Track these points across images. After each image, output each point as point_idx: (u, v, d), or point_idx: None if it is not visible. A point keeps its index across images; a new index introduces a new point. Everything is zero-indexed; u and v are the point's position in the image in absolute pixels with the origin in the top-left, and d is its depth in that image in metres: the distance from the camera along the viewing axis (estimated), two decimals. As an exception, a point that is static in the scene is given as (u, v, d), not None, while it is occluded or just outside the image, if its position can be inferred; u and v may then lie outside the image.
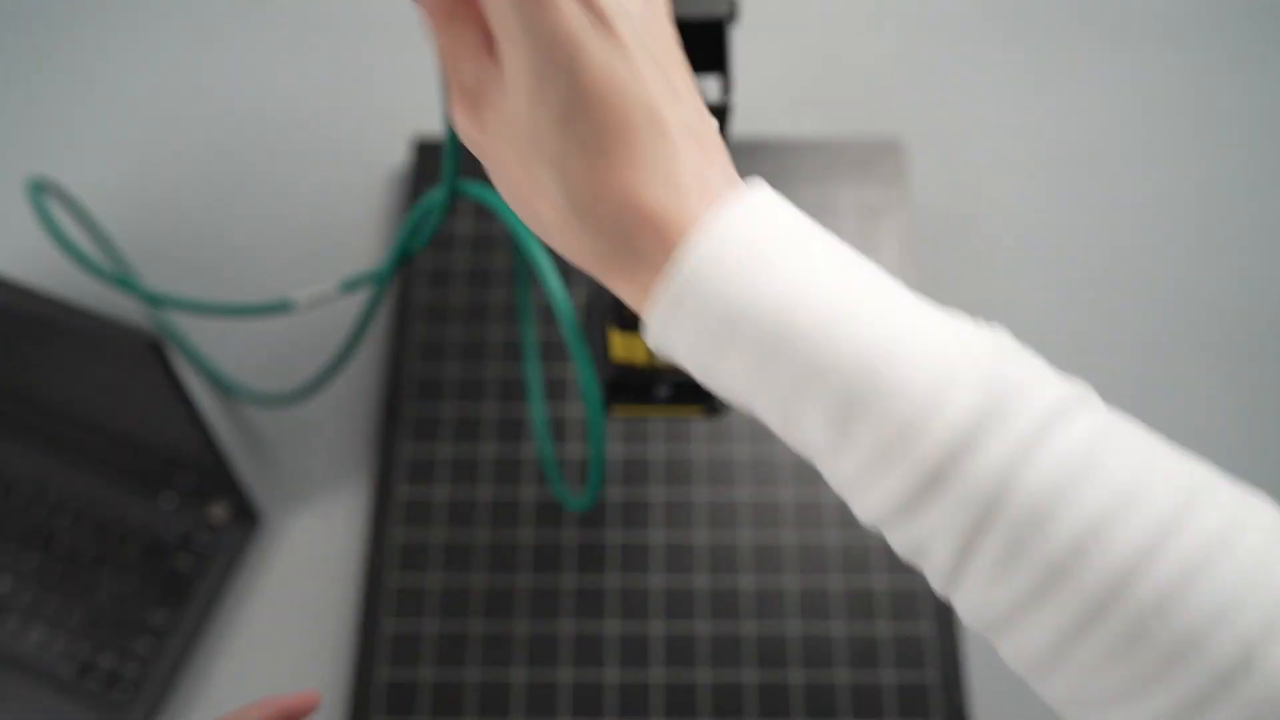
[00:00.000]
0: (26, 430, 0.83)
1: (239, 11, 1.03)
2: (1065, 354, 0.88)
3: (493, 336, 0.87)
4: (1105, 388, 0.86)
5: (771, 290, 0.33)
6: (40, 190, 0.74)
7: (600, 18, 0.33)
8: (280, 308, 0.73)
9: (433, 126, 0.97)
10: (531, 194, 0.35)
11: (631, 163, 0.34)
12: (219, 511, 0.81)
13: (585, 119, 0.33)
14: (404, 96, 0.99)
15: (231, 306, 0.74)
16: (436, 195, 0.53)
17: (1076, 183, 0.95)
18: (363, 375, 0.87)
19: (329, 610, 0.79)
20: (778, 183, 0.92)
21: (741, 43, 0.99)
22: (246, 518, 0.81)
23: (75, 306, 0.63)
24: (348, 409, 0.86)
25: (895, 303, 0.35)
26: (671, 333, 0.36)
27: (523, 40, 0.33)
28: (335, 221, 0.93)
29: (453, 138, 0.50)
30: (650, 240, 0.34)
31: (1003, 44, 1.01)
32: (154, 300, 0.73)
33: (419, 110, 0.98)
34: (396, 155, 0.96)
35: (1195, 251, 0.92)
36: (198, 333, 0.88)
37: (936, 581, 0.37)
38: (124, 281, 0.73)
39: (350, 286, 0.70)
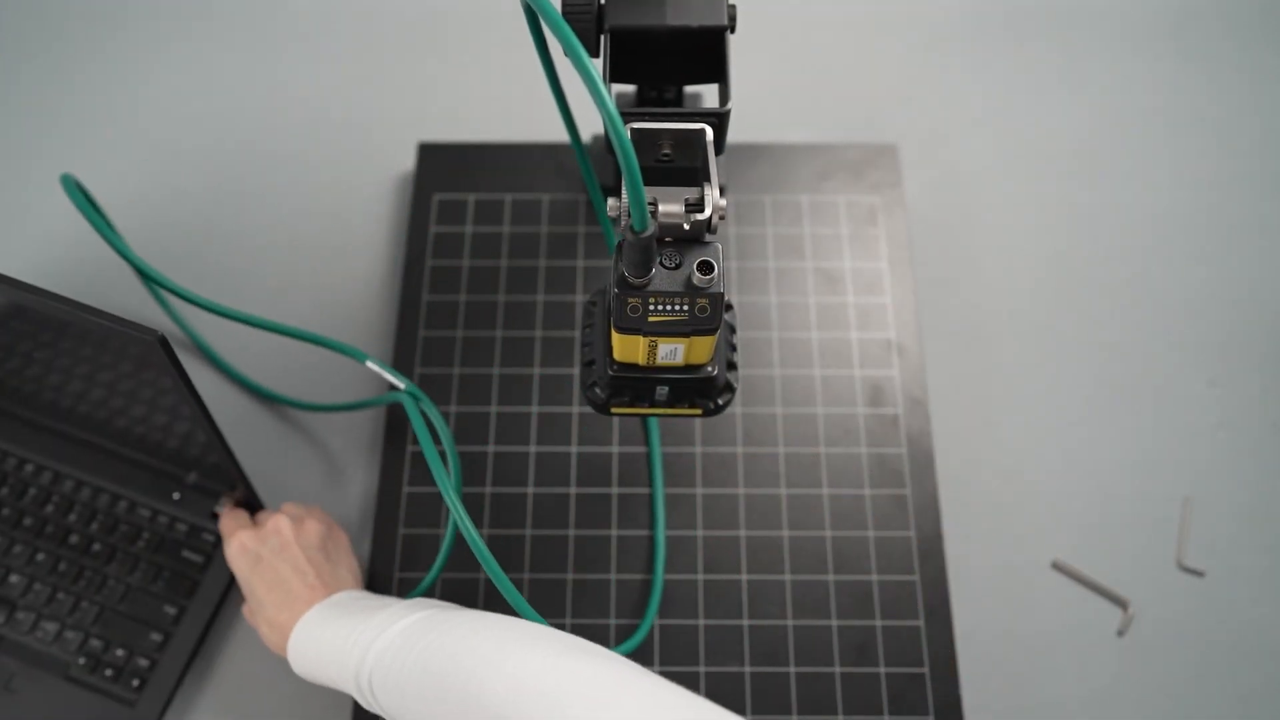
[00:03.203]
0: (38, 429, 0.84)
1: (255, 23, 1.05)
2: (1055, 354, 0.89)
3: (496, 336, 0.88)
4: (1093, 387, 0.88)
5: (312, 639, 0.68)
6: (73, 187, 0.77)
7: (255, 556, 0.73)
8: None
9: (437, 132, 0.98)
10: (257, 622, 0.74)
11: (265, 639, 0.73)
12: (226, 506, 0.82)
13: (253, 597, 0.74)
14: (411, 104, 1.00)
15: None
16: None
17: (1068, 186, 0.96)
18: (365, 371, 0.88)
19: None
20: (776, 186, 0.93)
21: (741, 51, 1.00)
22: (253, 513, 0.82)
23: (84, 304, 0.64)
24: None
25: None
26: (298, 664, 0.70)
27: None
28: (346, 220, 0.95)
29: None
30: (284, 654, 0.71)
31: (995, 52, 1.03)
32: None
33: (425, 117, 1.00)
34: (404, 159, 0.97)
35: (1184, 253, 0.93)
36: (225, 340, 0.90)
37: None
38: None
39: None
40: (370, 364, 0.79)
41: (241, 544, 0.74)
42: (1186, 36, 1.03)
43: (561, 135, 0.97)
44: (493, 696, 0.54)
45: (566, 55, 0.50)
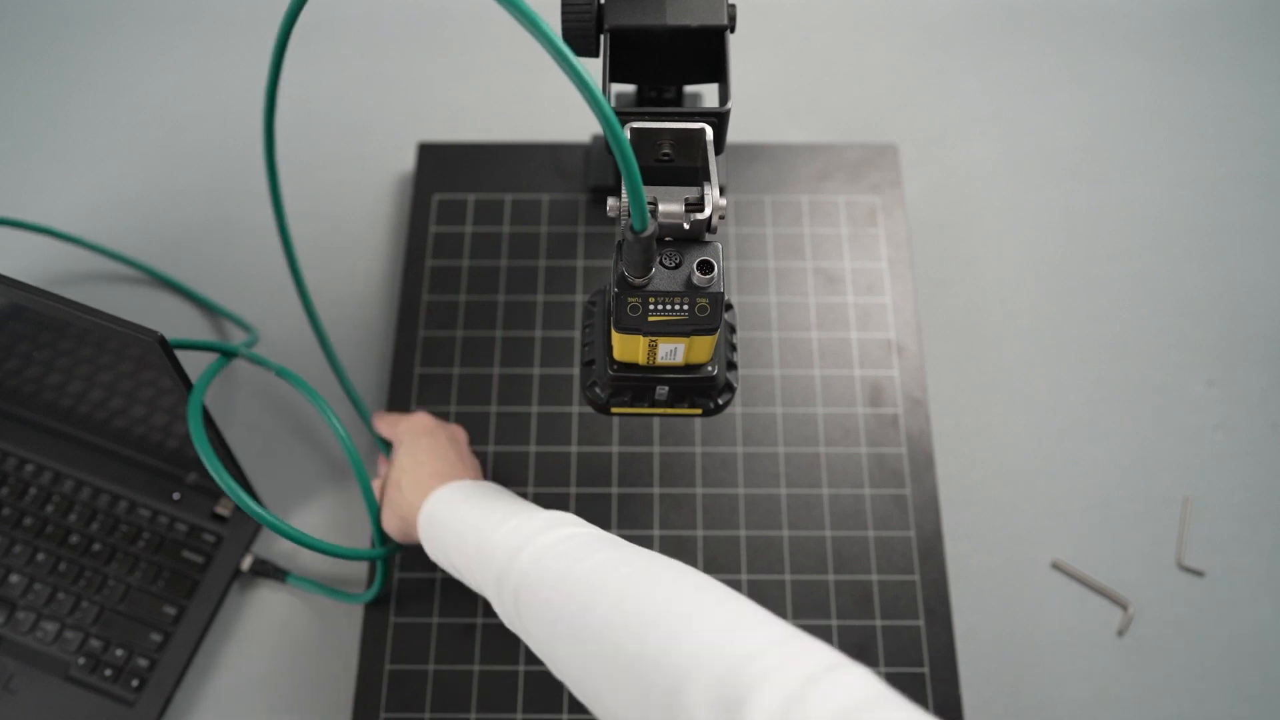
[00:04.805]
0: (38, 429, 0.84)
1: (255, 23, 1.05)
2: (1055, 354, 0.89)
3: (496, 336, 0.88)
4: (1093, 387, 0.88)
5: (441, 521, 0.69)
6: None
7: (432, 431, 0.77)
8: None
9: (437, 133, 0.98)
10: (397, 488, 0.74)
11: (399, 501, 0.74)
12: (225, 506, 0.82)
13: (385, 503, 0.76)
14: (411, 104, 1.00)
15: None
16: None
17: (1068, 186, 0.96)
18: (366, 371, 0.88)
19: (335, 601, 0.80)
20: (776, 186, 0.93)
21: (742, 51, 1.00)
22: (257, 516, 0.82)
23: (84, 304, 0.64)
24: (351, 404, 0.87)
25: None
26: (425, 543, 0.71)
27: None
28: (346, 220, 0.95)
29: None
30: (413, 515, 0.73)
31: (995, 52, 1.03)
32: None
33: (425, 117, 1.00)
34: (404, 159, 0.97)
35: (1184, 253, 0.93)
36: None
37: None
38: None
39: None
40: (243, 353, 0.78)
41: (426, 420, 0.79)
42: (1186, 36, 1.03)
43: (561, 135, 0.97)
44: (678, 665, 0.51)
45: (558, 64, 0.50)
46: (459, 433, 0.80)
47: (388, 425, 0.81)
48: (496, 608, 0.63)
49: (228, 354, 0.76)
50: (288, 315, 0.91)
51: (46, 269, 0.92)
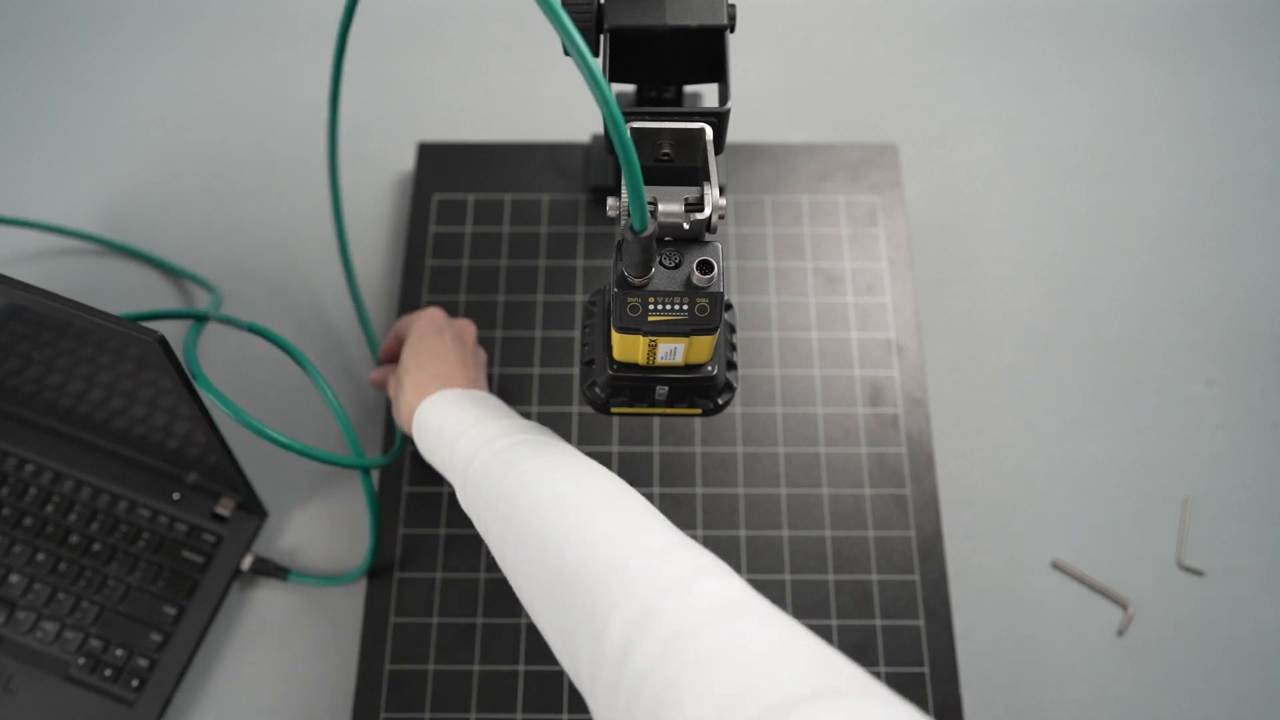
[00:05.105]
0: (38, 429, 0.84)
1: (255, 23, 1.05)
2: (1055, 354, 0.89)
3: (496, 336, 0.88)
4: (1093, 387, 0.88)
5: (437, 422, 0.72)
6: None
7: (439, 328, 0.79)
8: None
9: (437, 133, 0.98)
10: (400, 386, 0.77)
11: (401, 401, 0.76)
12: (226, 506, 0.82)
13: (393, 400, 0.79)
14: (411, 104, 1.00)
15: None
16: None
17: (1068, 186, 0.96)
18: (366, 370, 0.88)
19: (335, 601, 0.81)
20: (776, 186, 0.93)
21: (742, 51, 1.00)
22: (252, 512, 0.82)
23: (84, 304, 0.64)
24: (350, 403, 0.87)
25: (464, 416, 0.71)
26: (419, 440, 0.74)
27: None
28: (349, 218, 0.94)
29: None
30: (410, 417, 0.75)
31: (996, 52, 1.03)
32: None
33: (425, 117, 1.00)
34: (404, 159, 0.97)
35: (1184, 253, 0.93)
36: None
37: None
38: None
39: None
40: (213, 315, 0.79)
41: (435, 316, 0.80)
42: (1186, 36, 1.03)
43: (561, 135, 0.97)
44: (588, 576, 0.54)
45: (568, 54, 0.50)
46: (467, 330, 0.82)
47: (400, 323, 0.84)
48: (463, 504, 0.67)
49: (199, 318, 0.77)
50: (289, 307, 0.91)
51: (51, 266, 0.92)
